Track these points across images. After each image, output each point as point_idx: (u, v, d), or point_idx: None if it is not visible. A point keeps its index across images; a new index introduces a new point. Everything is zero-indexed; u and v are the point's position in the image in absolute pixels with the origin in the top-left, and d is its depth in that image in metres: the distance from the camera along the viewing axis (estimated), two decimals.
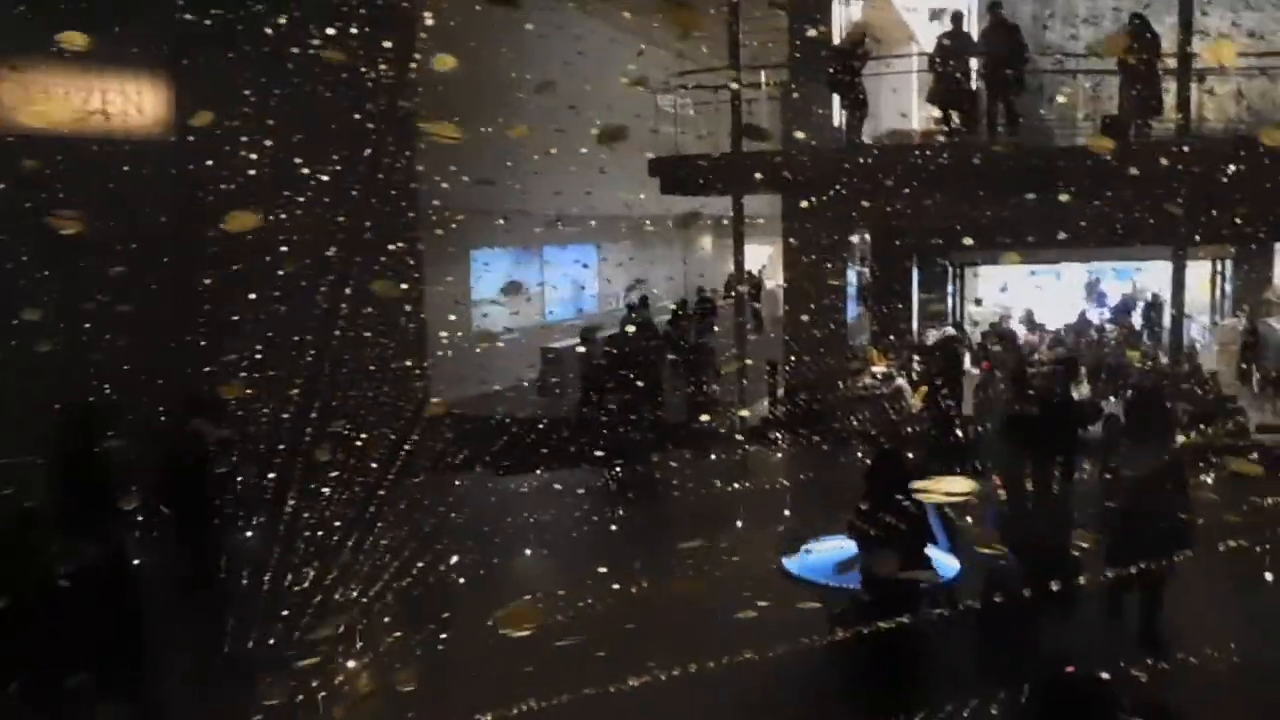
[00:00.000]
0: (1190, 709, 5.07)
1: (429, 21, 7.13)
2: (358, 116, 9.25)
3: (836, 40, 15.61)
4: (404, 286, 10.67)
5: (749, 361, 14.33)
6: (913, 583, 6.95)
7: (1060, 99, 14.03)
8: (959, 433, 11.09)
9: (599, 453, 11.82)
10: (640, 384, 12.61)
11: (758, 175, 14.13)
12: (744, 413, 13.65)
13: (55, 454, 8.92)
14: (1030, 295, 22.94)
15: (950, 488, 6.29)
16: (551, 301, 21.09)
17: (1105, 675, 5.65)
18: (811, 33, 13.10)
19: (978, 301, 23.56)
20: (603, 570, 8.86)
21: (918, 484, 6.25)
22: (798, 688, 7.28)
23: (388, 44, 7.17)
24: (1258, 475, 6.43)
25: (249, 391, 9.77)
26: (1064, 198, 10.89)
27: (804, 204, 14.10)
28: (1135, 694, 5.25)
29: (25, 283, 10.33)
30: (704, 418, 13.59)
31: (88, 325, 10.48)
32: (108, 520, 8.36)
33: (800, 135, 13.95)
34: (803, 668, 7.30)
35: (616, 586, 8.00)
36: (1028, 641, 6.72)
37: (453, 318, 13.58)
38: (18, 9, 10.17)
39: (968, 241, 12.92)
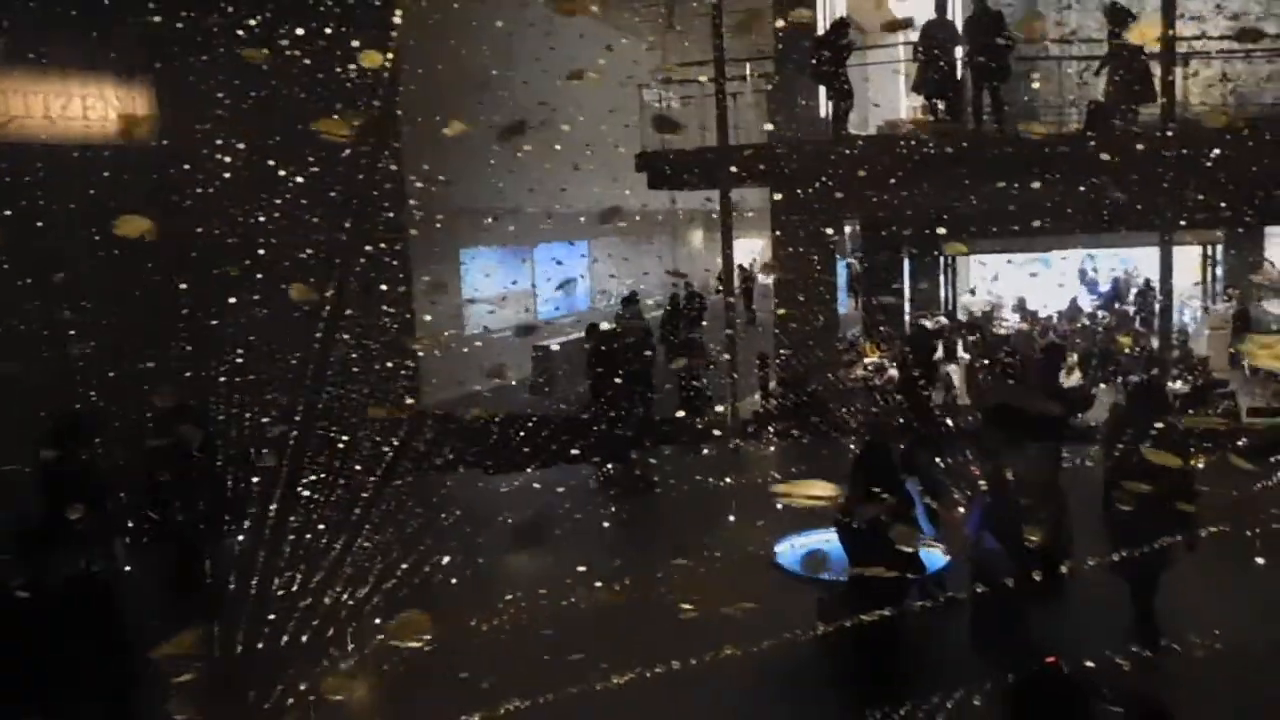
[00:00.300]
0: (1172, 696, 5.05)
1: (397, 19, 7.04)
2: (335, 117, 9.19)
3: (820, 31, 15.57)
4: (383, 287, 10.62)
5: (727, 356, 14.29)
6: (898, 575, 6.93)
7: (1034, 85, 13.96)
8: (948, 421, 11.07)
9: (574, 451, 11.77)
10: (622, 381, 12.57)
11: (734, 169, 14.10)
12: (720, 408, 13.59)
13: (42, 462, 8.89)
14: (1023, 284, 22.93)
15: (813, 491, 6.26)
16: (541, 299, 21.05)
17: (1088, 664, 5.65)
18: (781, 22, 12.99)
19: (972, 291, 23.55)
20: (583, 569, 8.84)
21: (778, 488, 6.25)
22: (783, 683, 7.26)
23: (356, 43, 7.09)
24: (1175, 466, 6.38)
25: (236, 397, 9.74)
26: (1036, 185, 10.85)
27: (777, 197, 14.05)
28: (1117, 683, 5.22)
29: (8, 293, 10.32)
30: (679, 413, 13.51)
31: (72, 333, 10.47)
32: (96, 528, 8.37)
33: (769, 127, 13.88)
34: (788, 663, 7.27)
35: (599, 585, 7.98)
36: (1013, 632, 6.69)
37: (427, 318, 13.54)
38: None
39: (941, 231, 12.86)
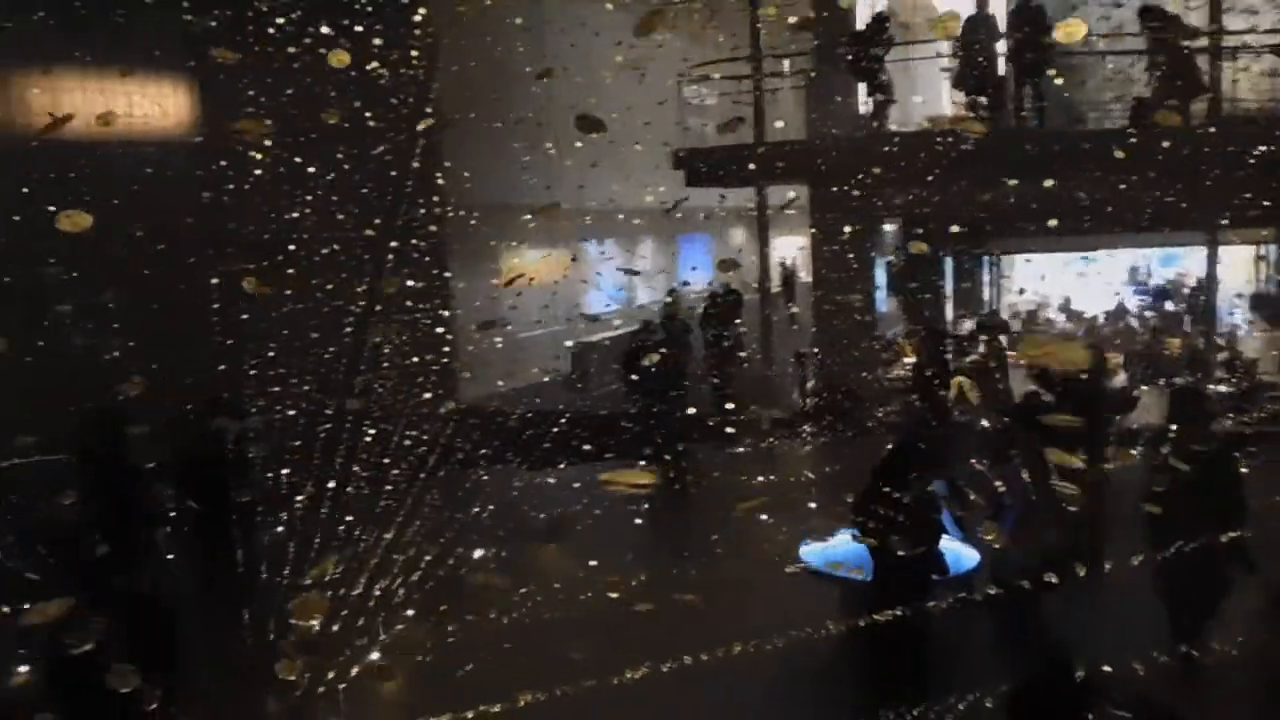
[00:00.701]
0: (1182, 700, 4.98)
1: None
2: (368, 115, 9.34)
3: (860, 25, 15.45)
4: (417, 284, 10.74)
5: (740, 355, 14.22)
6: (923, 574, 6.89)
7: (1056, 81, 13.71)
8: (984, 422, 10.90)
9: (586, 448, 11.78)
10: (656, 378, 12.57)
11: (762, 165, 14.04)
12: (730, 405, 13.52)
13: (83, 452, 9.09)
14: (1071, 283, 22.55)
15: (634, 480, 6.24)
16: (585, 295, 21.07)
17: (1105, 669, 5.57)
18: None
19: (1020, 291, 23.21)
20: (612, 563, 8.87)
21: (604, 476, 6.24)
22: (799, 680, 7.24)
23: (378, 41, 7.18)
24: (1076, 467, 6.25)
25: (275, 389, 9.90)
26: (1049, 183, 10.66)
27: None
28: (1125, 687, 5.15)
29: (52, 284, 10.58)
30: (689, 411, 13.37)
31: (116, 326, 10.70)
32: (136, 517, 8.57)
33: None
34: (805, 660, 7.26)
35: (614, 579, 8.00)
36: (1029, 633, 6.62)
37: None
38: (38, 14, 10.39)
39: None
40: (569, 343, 17.74)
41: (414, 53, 7.95)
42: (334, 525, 9.03)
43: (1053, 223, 12.01)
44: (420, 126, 7.18)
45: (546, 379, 16.01)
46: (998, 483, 7.25)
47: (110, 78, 11.95)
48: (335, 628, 7.96)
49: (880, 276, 17.94)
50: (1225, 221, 12.50)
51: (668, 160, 15.25)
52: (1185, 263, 22.19)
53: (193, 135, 11.86)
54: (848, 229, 14.42)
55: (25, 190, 10.30)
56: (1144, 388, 14.21)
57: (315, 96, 9.33)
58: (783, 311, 21.22)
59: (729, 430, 13.89)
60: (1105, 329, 18.94)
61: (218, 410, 9.78)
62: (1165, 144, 11.60)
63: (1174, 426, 6.89)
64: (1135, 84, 14.17)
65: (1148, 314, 19.89)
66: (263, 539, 9.39)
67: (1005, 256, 21.32)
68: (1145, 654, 6.20)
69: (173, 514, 9.52)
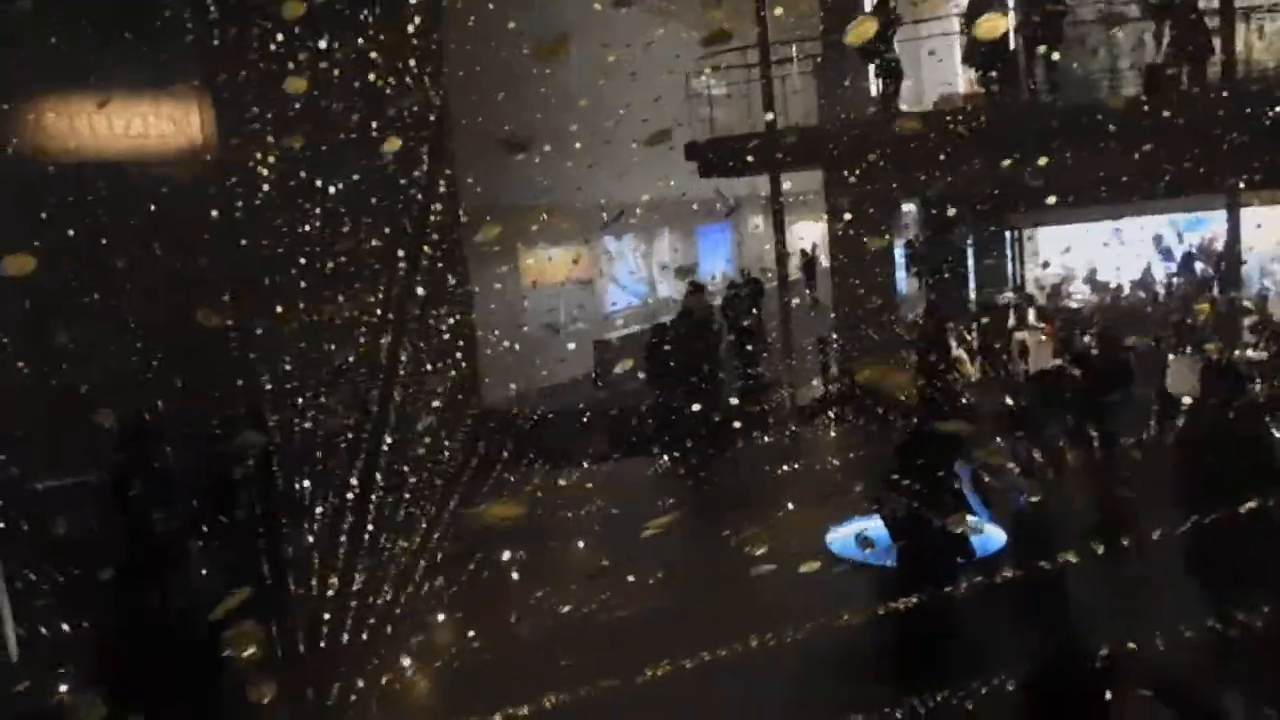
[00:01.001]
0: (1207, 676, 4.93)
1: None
2: (374, 125, 9.38)
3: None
4: (454, 297, 10.73)
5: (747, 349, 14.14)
6: (947, 557, 6.87)
7: (1054, 56, 13.53)
8: (1008, 400, 10.83)
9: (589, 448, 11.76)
10: (679, 372, 12.57)
11: (784, 153, 13.97)
12: (734, 400, 13.46)
13: (110, 470, 9.21)
14: (1097, 254, 22.28)
15: (500, 512, 6.27)
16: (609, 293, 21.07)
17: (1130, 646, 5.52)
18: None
19: (1045, 264, 22.98)
20: (628, 562, 8.86)
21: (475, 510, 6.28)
22: (821, 669, 7.23)
23: (375, 55, 7.20)
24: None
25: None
26: (1042, 161, 10.54)
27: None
28: (1148, 666, 5.10)
29: (75, 305, 10.72)
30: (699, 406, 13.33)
31: (139, 345, 10.83)
32: (165, 531, 8.68)
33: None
34: (827, 649, 7.24)
35: (631, 579, 8.00)
36: (1051, 612, 6.57)
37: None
38: (51, 39, 10.50)
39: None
40: (571, 345, 17.76)
41: (412, 61, 7.98)
42: (357, 534, 9.09)
43: (1051, 200, 11.89)
44: (389, 147, 7.16)
45: (565, 379, 16.01)
46: (1010, 463, 7.21)
47: (126, 98, 12.06)
48: (364, 636, 8.04)
49: (899, 258, 17.83)
50: (1243, 185, 12.30)
51: (679, 151, 15.20)
52: (1210, 227, 21.89)
53: (205, 152, 11.96)
54: (848, 216, 14.33)
55: (44, 216, 10.43)
56: (1171, 357, 14.03)
57: (323, 110, 9.39)
58: (805, 298, 21.18)
59: (745, 423, 13.85)
60: (1130, 298, 18.72)
61: (238, 424, 9.90)
62: (1166, 113, 11.46)
63: (1187, 401, 6.81)
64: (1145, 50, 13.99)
65: (1174, 281, 19.64)
66: (287, 551, 9.49)
67: (1027, 230, 21.12)
68: (1170, 629, 6.12)
69: (203, 528, 9.67)
